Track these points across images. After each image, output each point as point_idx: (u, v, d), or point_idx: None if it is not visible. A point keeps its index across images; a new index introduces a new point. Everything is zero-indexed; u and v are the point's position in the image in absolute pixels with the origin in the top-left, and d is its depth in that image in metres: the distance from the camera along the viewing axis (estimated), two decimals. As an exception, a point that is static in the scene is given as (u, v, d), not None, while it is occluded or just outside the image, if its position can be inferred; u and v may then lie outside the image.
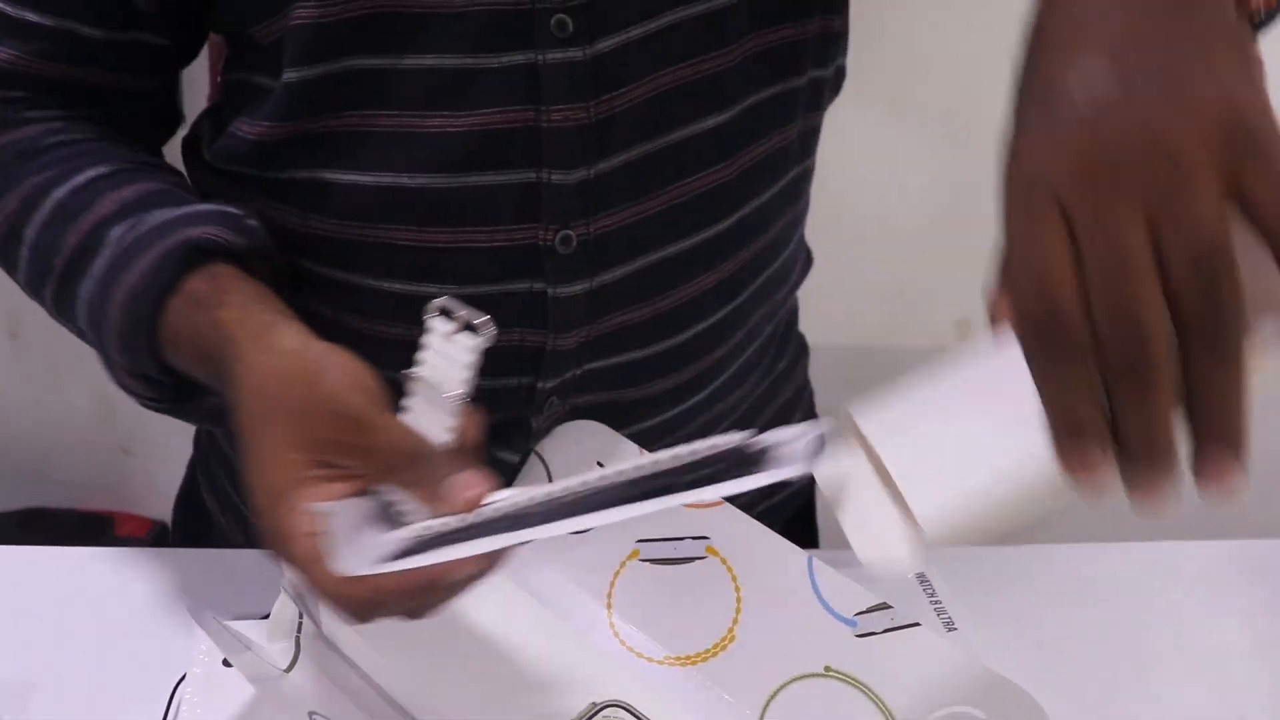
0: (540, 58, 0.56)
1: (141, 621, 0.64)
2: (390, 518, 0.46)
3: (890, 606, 0.58)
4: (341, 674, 0.56)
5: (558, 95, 0.57)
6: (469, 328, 0.44)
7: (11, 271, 0.61)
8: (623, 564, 0.62)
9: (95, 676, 0.60)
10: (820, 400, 0.85)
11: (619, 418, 0.67)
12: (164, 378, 0.56)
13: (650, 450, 0.42)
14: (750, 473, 0.37)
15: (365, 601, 0.45)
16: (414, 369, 0.46)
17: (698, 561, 0.61)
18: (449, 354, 0.45)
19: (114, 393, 0.59)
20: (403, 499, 0.46)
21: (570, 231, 0.59)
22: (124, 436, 1.50)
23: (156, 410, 0.60)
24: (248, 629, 0.55)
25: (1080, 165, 0.35)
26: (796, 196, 0.71)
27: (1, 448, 1.52)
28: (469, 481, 0.45)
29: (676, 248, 0.63)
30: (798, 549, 0.60)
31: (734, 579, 0.60)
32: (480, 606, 0.55)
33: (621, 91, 0.58)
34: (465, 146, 0.57)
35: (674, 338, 0.66)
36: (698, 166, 0.62)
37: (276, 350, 0.49)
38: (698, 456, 0.38)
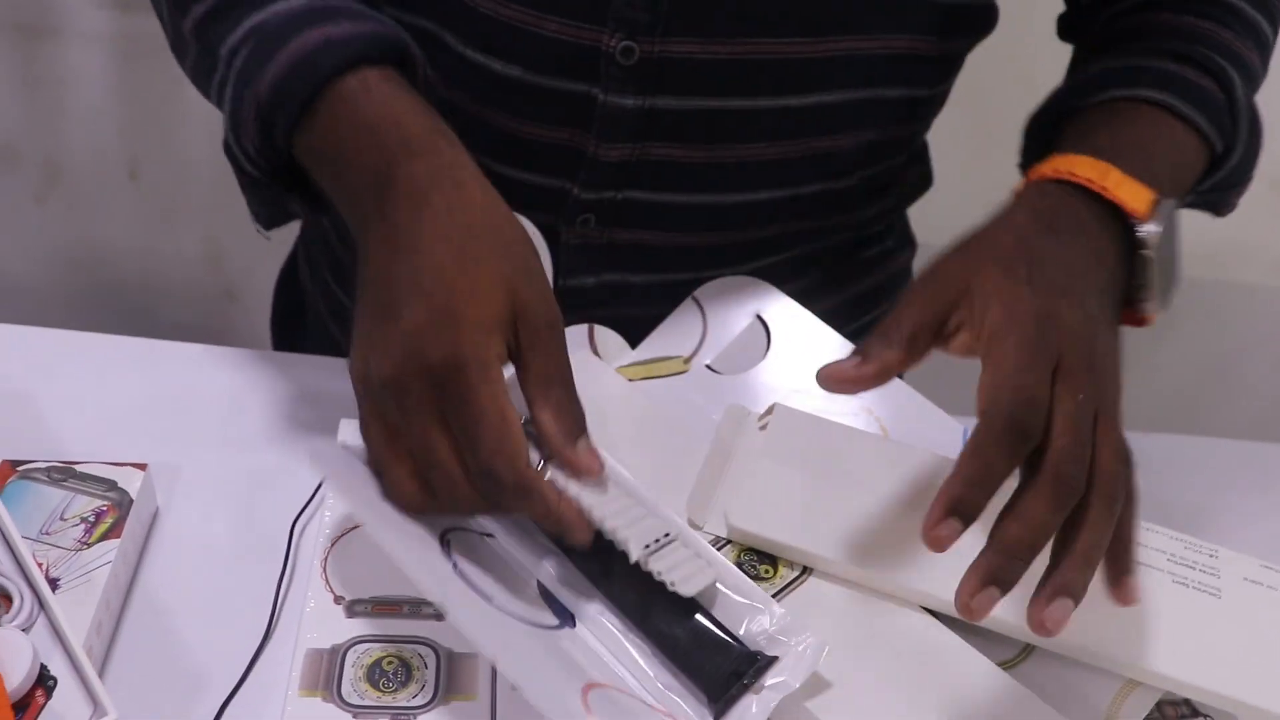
0: None
1: (284, 422, 0.65)
2: None
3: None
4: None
5: None
6: None
7: None
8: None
9: (239, 467, 0.62)
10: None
11: (655, 262, 0.67)
12: (284, 145, 0.53)
13: None
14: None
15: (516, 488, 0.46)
16: None
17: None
18: None
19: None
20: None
21: (634, 43, 0.59)
22: (230, 282, 1.53)
23: (250, 178, 0.56)
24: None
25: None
26: (900, 118, 0.68)
27: (113, 287, 1.56)
28: (595, 456, 0.49)
29: (738, 103, 0.62)
30: (952, 419, 0.62)
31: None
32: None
33: None
34: None
35: (720, 195, 0.65)
36: (780, 29, 0.60)
37: (479, 180, 0.50)
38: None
